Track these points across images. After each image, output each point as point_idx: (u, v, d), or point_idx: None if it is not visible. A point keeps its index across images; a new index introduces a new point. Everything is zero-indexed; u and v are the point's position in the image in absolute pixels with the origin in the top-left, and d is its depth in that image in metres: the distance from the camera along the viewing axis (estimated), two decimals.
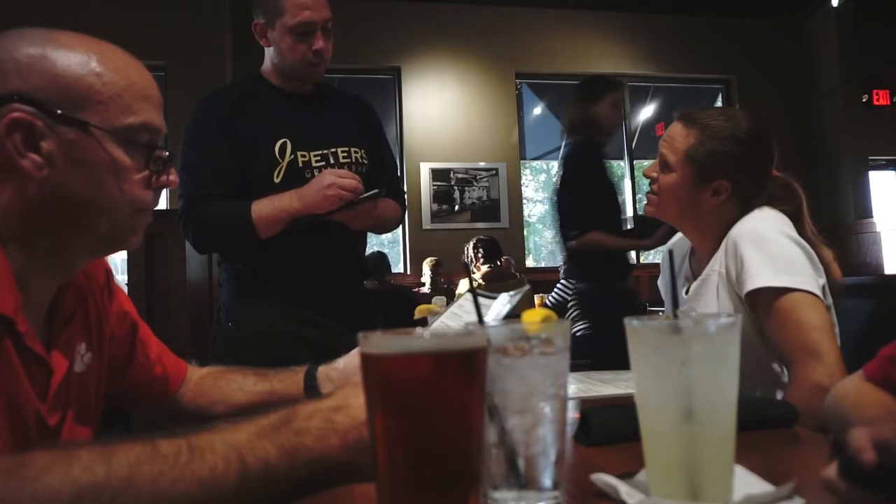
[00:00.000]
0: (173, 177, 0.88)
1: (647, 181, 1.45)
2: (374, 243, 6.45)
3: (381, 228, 1.88)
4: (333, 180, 1.57)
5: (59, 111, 0.76)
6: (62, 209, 0.78)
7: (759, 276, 1.22)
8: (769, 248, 1.24)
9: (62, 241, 0.81)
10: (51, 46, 0.78)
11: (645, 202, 1.46)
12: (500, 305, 1.44)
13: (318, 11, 1.68)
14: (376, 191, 1.63)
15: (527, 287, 1.52)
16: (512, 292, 1.44)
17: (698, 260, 1.45)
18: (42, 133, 0.76)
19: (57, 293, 0.86)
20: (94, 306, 0.94)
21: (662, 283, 1.64)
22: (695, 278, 1.43)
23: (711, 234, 1.39)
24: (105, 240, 0.84)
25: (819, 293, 1.22)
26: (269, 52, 1.77)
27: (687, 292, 1.43)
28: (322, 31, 1.70)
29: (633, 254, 5.15)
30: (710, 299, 1.35)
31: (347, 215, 1.63)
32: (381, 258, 5.00)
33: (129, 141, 0.81)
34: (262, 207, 1.62)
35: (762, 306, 1.24)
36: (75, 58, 0.78)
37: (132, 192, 0.82)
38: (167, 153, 0.86)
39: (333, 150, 1.75)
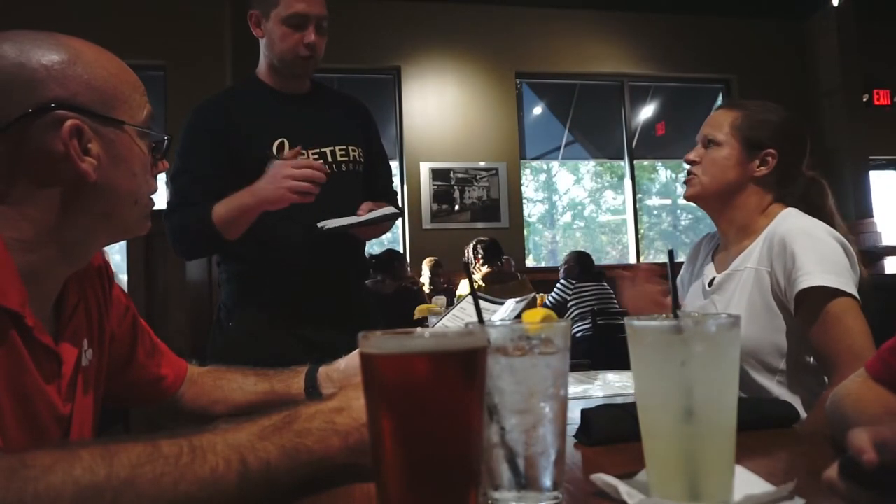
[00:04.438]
0: (164, 161, 0.93)
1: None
2: (374, 243, 6.45)
3: (377, 233, 1.90)
4: (288, 173, 1.52)
5: (100, 113, 0.81)
6: (103, 204, 0.83)
7: (813, 275, 1.23)
8: (819, 246, 1.26)
9: (90, 232, 0.84)
10: (71, 52, 0.80)
11: (685, 188, 1.47)
12: (504, 312, 1.45)
13: (313, 6, 1.69)
14: (395, 212, 1.69)
15: (532, 294, 1.53)
16: (517, 298, 1.45)
17: (723, 252, 1.46)
18: (89, 136, 0.80)
19: (62, 286, 0.87)
20: (95, 302, 0.95)
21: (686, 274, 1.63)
22: (717, 272, 1.43)
23: (744, 222, 1.41)
24: (132, 228, 0.89)
25: (857, 294, 1.25)
26: (262, 46, 1.78)
27: (710, 285, 1.43)
28: (316, 27, 1.70)
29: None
30: (736, 295, 1.35)
31: (364, 231, 1.68)
32: (393, 257, 4.98)
33: (146, 133, 0.87)
34: (221, 209, 1.60)
35: (810, 305, 1.24)
36: (96, 61, 0.82)
37: (152, 180, 0.90)
38: (166, 138, 0.92)
39: (331, 147, 1.76)
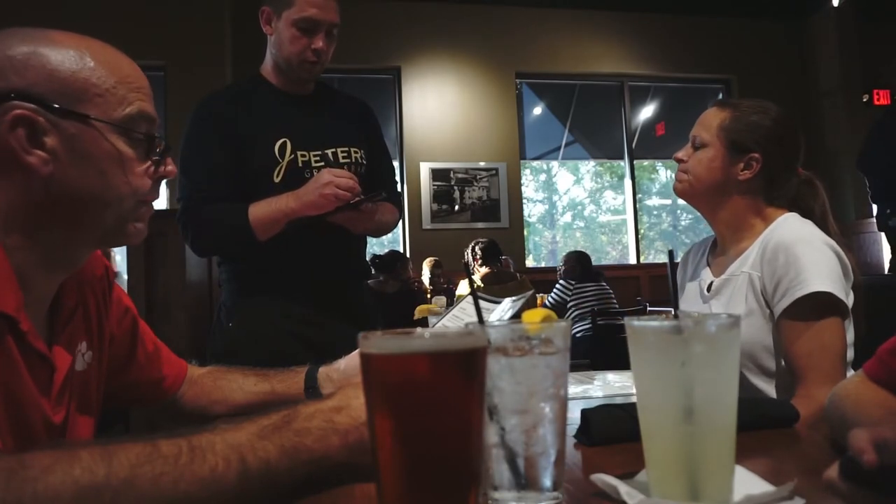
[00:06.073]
0: (171, 167, 0.89)
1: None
2: (375, 243, 6.45)
3: (379, 232, 1.89)
4: (330, 179, 1.58)
5: (58, 106, 0.77)
6: (68, 204, 0.79)
7: (808, 284, 1.22)
8: (815, 255, 1.25)
9: (66, 236, 0.82)
10: (43, 44, 0.78)
11: (675, 182, 1.47)
12: (503, 310, 1.45)
13: (326, 13, 1.70)
14: (378, 192, 1.65)
15: (531, 291, 1.53)
16: (515, 297, 1.44)
17: (721, 255, 1.45)
18: (44, 129, 0.77)
19: (58, 290, 0.86)
20: (94, 303, 0.94)
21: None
22: (714, 275, 1.43)
23: (737, 223, 1.40)
24: (111, 232, 0.84)
25: (848, 302, 1.25)
26: (269, 44, 1.78)
27: (709, 289, 1.43)
28: (326, 33, 1.71)
29: None
30: (734, 299, 1.35)
31: (349, 217, 1.64)
32: (396, 258, 4.98)
33: (129, 131, 0.82)
34: (259, 209, 1.62)
35: (796, 314, 1.24)
36: (68, 54, 0.79)
37: (135, 182, 0.83)
38: (164, 142, 0.87)
39: (333, 149, 1.76)
